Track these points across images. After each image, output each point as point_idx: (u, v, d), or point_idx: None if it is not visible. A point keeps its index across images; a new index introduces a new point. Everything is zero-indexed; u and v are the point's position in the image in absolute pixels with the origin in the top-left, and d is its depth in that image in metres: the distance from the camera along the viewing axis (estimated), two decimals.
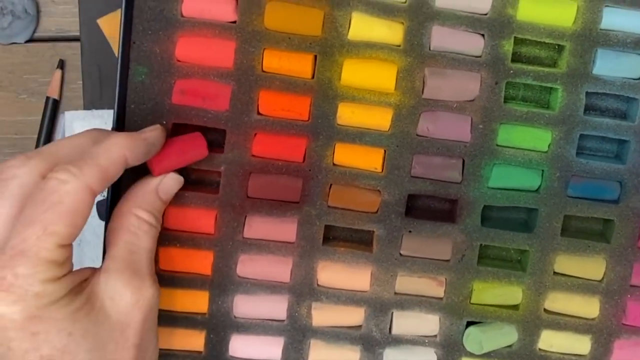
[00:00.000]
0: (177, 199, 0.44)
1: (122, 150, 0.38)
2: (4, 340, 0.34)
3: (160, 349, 0.46)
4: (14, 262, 0.34)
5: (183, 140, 0.42)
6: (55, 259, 0.35)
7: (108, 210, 0.43)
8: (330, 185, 0.45)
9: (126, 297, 0.37)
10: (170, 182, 0.42)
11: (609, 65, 0.43)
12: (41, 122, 0.54)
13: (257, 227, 0.45)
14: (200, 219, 0.45)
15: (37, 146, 0.55)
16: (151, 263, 0.40)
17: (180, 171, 0.45)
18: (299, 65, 0.43)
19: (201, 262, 0.45)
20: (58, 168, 0.36)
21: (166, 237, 0.45)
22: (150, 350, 0.40)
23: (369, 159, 0.44)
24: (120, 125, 0.43)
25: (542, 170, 0.44)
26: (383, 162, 0.44)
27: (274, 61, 0.43)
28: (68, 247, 0.36)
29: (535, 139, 0.44)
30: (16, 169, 0.36)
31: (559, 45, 0.44)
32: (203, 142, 0.43)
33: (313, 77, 0.43)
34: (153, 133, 0.40)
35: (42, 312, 0.34)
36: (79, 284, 0.37)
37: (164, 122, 0.43)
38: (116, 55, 0.52)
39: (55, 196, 0.35)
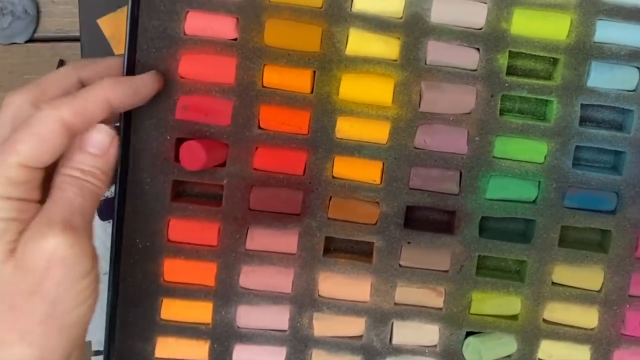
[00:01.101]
0: (181, 212, 0.45)
1: (103, 89, 0.40)
2: None
3: (165, 359, 0.47)
4: None
5: (213, 142, 0.45)
6: (13, 176, 0.37)
7: (117, 210, 0.45)
8: (330, 197, 0.46)
9: (34, 244, 0.37)
10: (96, 135, 0.41)
11: (604, 78, 0.44)
12: None
13: (259, 238, 0.46)
14: (204, 231, 0.46)
15: None
16: (73, 215, 0.39)
17: (184, 185, 0.47)
18: (298, 81, 0.44)
19: (205, 273, 0.46)
20: (42, 102, 0.39)
21: (170, 249, 0.46)
22: (63, 304, 0.38)
23: (368, 172, 0.45)
24: (125, 143, 0.44)
25: (539, 182, 0.45)
26: (381, 175, 0.45)
27: (274, 77, 0.44)
28: (30, 170, 0.37)
29: (532, 150, 0.45)
30: (11, 97, 0.41)
31: (554, 58, 0.44)
32: (225, 147, 0.45)
33: (312, 92, 0.44)
34: (142, 75, 0.43)
35: None
36: (27, 222, 0.38)
37: (168, 137, 0.45)
38: (116, 55, 0.53)
39: (28, 121, 0.38)
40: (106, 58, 0.44)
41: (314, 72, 0.44)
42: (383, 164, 0.45)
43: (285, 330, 0.47)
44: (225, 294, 0.46)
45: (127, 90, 0.41)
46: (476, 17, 0.43)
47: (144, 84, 0.43)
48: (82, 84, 0.43)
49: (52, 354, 0.38)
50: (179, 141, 0.45)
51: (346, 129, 0.45)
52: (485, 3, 0.43)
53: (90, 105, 0.39)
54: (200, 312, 0.47)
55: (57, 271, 0.37)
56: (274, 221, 0.46)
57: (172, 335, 0.47)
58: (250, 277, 0.46)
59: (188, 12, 0.44)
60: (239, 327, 0.47)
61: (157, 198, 0.45)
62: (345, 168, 0.45)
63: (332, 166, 0.45)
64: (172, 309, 0.47)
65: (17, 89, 0.41)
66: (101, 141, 0.41)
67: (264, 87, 0.44)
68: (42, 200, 0.39)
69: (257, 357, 0.47)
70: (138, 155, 0.45)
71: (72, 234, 0.38)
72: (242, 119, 0.45)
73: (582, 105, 0.44)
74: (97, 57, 0.49)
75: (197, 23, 0.44)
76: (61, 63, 0.55)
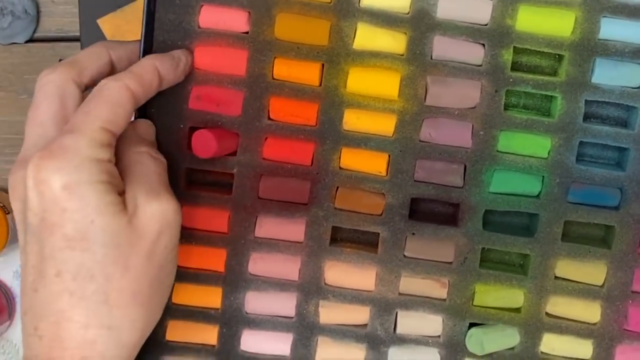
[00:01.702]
0: (193, 199, 0.47)
1: (151, 60, 0.43)
2: (39, 209, 0.37)
3: (176, 342, 0.49)
4: (61, 137, 0.38)
5: (224, 132, 0.47)
6: (99, 138, 0.38)
7: None
8: (337, 187, 0.47)
9: (147, 209, 0.40)
10: (143, 125, 0.45)
11: (608, 74, 0.44)
12: None
13: (268, 226, 0.48)
14: (214, 218, 0.48)
15: None
16: (166, 184, 0.42)
17: (196, 173, 0.48)
18: (307, 73, 0.46)
19: (215, 259, 0.48)
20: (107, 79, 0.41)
21: (182, 234, 0.47)
22: (166, 267, 0.42)
23: (374, 163, 0.47)
24: None
25: (543, 176, 0.46)
26: (387, 167, 0.47)
27: (284, 69, 0.46)
28: (110, 134, 0.39)
29: (535, 145, 0.45)
30: (48, 75, 0.42)
31: (558, 54, 0.45)
32: (236, 136, 0.47)
33: (320, 84, 0.46)
34: (178, 50, 0.45)
35: (77, 187, 0.37)
36: (117, 186, 0.39)
37: (182, 126, 0.47)
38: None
39: (97, 93, 0.40)
40: (131, 41, 0.47)
41: (323, 65, 0.46)
42: (389, 156, 0.46)
43: (292, 317, 0.49)
44: (235, 280, 0.48)
45: (171, 63, 0.44)
46: (481, 13, 0.44)
47: (181, 59, 0.45)
48: (113, 65, 0.45)
49: (156, 316, 0.42)
50: (192, 130, 0.46)
51: (353, 121, 0.46)
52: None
53: (147, 75, 0.42)
54: (210, 297, 0.49)
55: (167, 236, 0.41)
56: (282, 210, 0.47)
57: (183, 319, 0.49)
58: (259, 264, 0.48)
59: (202, 5, 0.46)
60: (247, 313, 0.49)
61: (170, 186, 0.47)
62: (352, 159, 0.47)
63: (339, 157, 0.47)
64: (183, 294, 0.49)
65: (50, 68, 0.42)
66: (147, 129, 0.45)
67: (273, 79, 0.46)
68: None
69: (265, 343, 0.49)
70: None
71: (175, 201, 0.41)
72: (253, 110, 0.46)
73: (586, 101, 0.45)
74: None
75: (210, 16, 0.46)
76: None
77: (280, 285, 0.48)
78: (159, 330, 0.49)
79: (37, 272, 0.39)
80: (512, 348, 0.48)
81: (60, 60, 0.56)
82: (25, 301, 0.39)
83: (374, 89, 0.45)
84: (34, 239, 0.38)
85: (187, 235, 0.48)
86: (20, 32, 0.56)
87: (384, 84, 0.45)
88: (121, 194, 0.40)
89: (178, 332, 0.49)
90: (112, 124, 0.39)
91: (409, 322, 0.48)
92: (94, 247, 0.38)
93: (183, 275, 0.48)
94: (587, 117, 0.45)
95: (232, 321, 0.49)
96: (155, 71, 0.43)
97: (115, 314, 0.39)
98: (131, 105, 0.41)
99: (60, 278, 0.38)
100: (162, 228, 0.40)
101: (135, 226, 0.39)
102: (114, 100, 0.40)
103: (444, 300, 0.48)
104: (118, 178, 0.40)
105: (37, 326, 0.39)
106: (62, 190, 0.37)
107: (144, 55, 0.46)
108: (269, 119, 0.46)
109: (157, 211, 0.40)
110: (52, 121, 0.41)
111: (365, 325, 0.49)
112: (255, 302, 0.49)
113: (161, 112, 0.47)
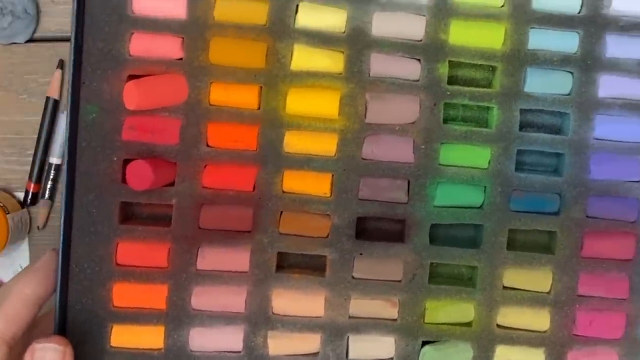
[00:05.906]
0: (130, 234, 0.49)
1: (17, 286, 0.47)
2: None
3: None
4: None
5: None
6: None
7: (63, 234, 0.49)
8: (281, 212, 0.50)
9: None
10: (44, 354, 0.46)
11: (539, 83, 0.51)
12: (41, 122, 0.61)
13: (210, 258, 0.50)
14: (153, 252, 0.51)
15: (36, 146, 0.61)
16: None
17: (132, 207, 0.50)
18: (245, 97, 0.50)
19: (155, 296, 0.51)
20: None
21: (119, 272, 0.50)
22: None
23: (318, 184, 0.50)
24: (71, 166, 0.48)
25: (485, 187, 0.51)
26: (331, 187, 0.51)
27: (221, 94, 0.50)
28: None
29: (475, 156, 0.51)
30: None
31: (492, 66, 0.50)
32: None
33: (259, 107, 0.49)
34: (41, 260, 0.49)
35: None
36: None
37: (115, 159, 0.49)
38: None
39: None
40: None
41: (261, 88, 0.49)
42: (332, 175, 0.50)
43: (239, 352, 0.51)
44: (177, 317, 0.50)
45: (35, 278, 0.47)
46: (415, 29, 0.50)
47: (44, 263, 0.48)
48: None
49: None
50: (126, 162, 0.48)
51: (294, 142, 0.50)
52: (424, 15, 0.49)
53: (11, 309, 0.46)
54: (152, 337, 0.51)
55: None
56: (225, 239, 0.50)
57: None
58: (203, 298, 0.50)
59: (133, 33, 0.48)
60: (192, 351, 0.51)
61: (104, 221, 0.49)
62: (294, 182, 0.50)
63: (282, 180, 0.50)
64: (122, 336, 0.51)
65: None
66: (51, 358, 0.46)
67: (211, 104, 0.49)
68: None
69: None
70: (84, 177, 0.49)
71: None
72: (190, 138, 0.49)
73: (522, 110, 0.51)
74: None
75: (142, 44, 0.50)
76: (61, 63, 0.60)
77: (226, 318, 0.51)
78: None
79: None
80: None
81: (60, 60, 0.61)
82: None
83: (314, 109, 0.50)
84: None
85: (124, 273, 0.50)
86: (20, 32, 0.59)
87: (324, 103, 0.49)
88: None
89: None
90: None
91: (361, 346, 0.52)
92: None
93: (121, 316, 0.50)
94: (523, 126, 0.52)
95: None
96: (24, 300, 0.46)
97: None
98: (3, 351, 0.45)
99: None
100: None
101: None
102: None
103: (395, 320, 0.51)
104: None
105: None
106: None
107: (72, 92, 0.47)
108: (208, 145, 0.49)
109: None
110: None
111: (317, 353, 0.51)
112: (201, 339, 0.51)
113: (92, 145, 0.49)
